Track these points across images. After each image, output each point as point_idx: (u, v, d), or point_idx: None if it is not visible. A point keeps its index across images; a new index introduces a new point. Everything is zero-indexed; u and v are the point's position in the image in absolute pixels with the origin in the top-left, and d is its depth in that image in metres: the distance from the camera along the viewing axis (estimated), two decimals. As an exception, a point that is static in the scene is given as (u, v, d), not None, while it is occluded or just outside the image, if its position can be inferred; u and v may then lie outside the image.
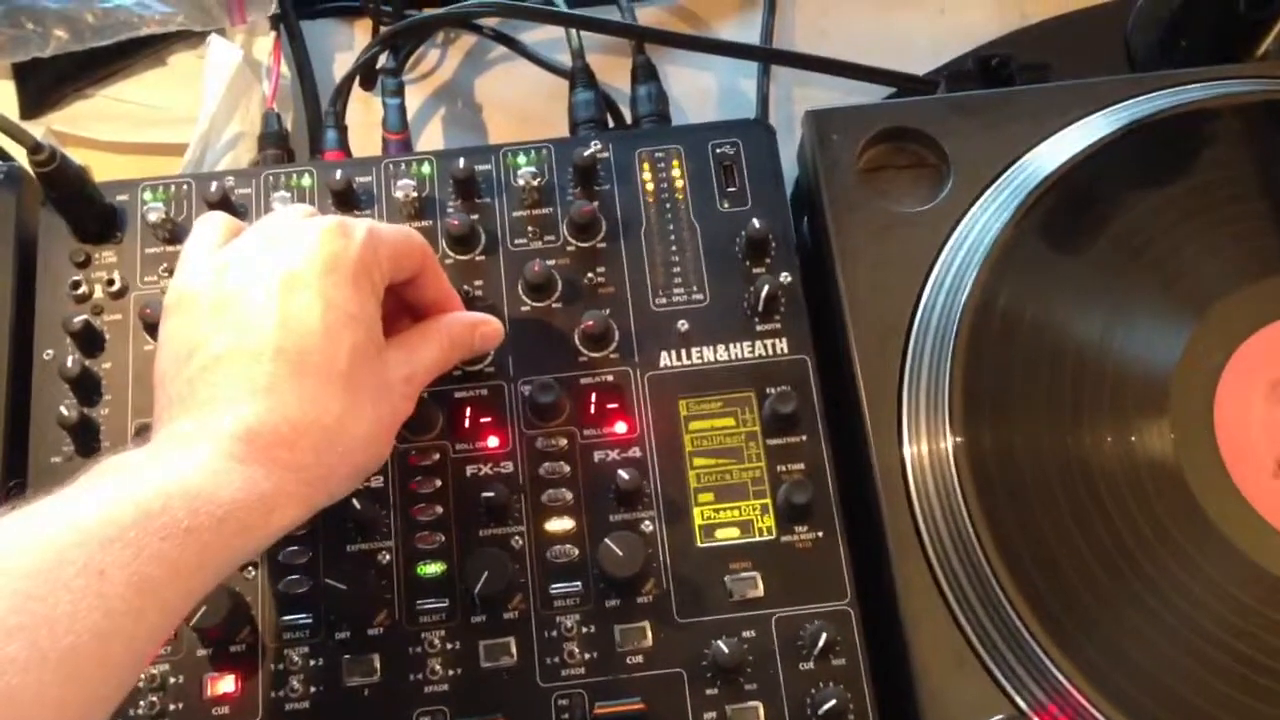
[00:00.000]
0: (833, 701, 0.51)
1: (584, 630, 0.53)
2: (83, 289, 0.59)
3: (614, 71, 0.74)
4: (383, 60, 0.72)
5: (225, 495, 0.42)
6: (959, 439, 0.54)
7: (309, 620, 0.54)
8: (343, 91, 0.71)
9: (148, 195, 0.61)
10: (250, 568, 0.55)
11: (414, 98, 0.77)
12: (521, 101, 0.77)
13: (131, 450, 0.44)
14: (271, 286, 0.46)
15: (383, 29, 0.75)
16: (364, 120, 0.74)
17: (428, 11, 0.73)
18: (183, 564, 0.40)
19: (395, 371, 0.50)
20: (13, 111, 0.75)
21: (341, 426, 0.46)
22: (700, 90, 0.77)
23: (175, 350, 0.48)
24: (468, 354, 0.55)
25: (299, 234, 0.48)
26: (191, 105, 0.72)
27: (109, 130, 0.74)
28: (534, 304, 0.59)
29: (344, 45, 0.79)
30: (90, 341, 0.58)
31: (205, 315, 0.47)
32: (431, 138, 0.77)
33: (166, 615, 0.41)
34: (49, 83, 0.75)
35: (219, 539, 0.41)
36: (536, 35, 0.77)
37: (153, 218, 0.60)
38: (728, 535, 0.55)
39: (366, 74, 0.73)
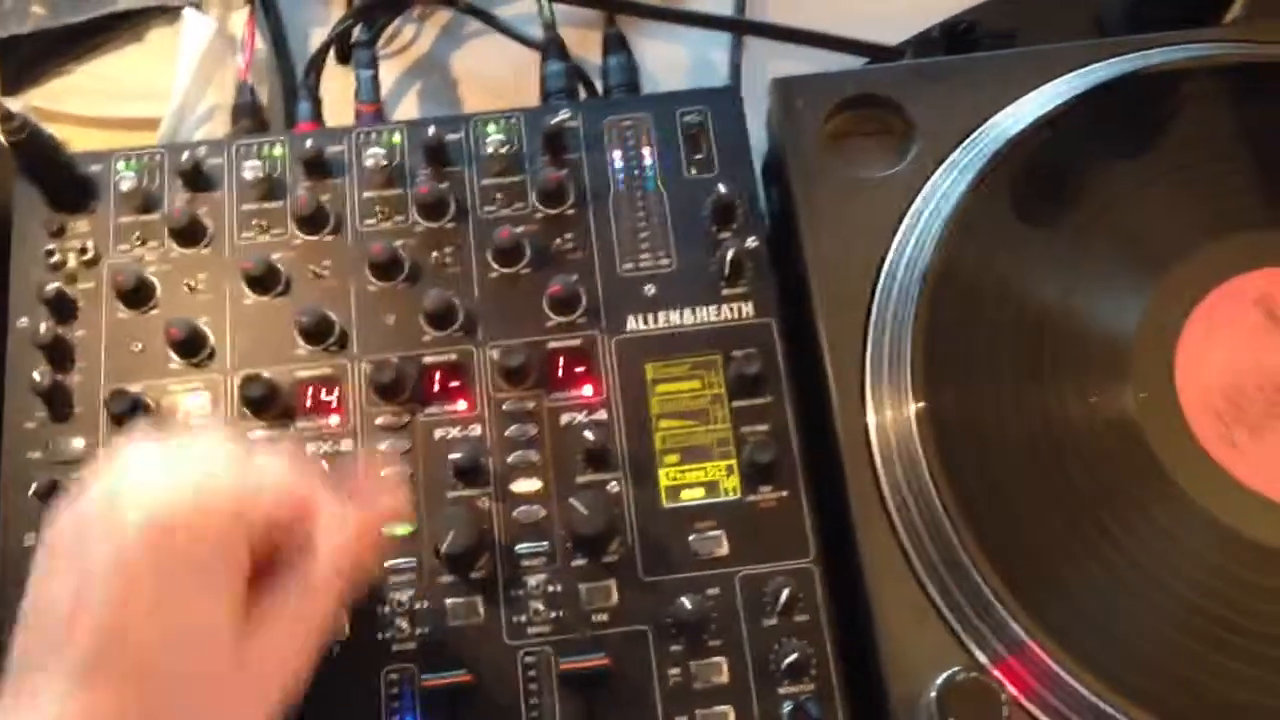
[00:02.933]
0: (795, 656, 0.52)
1: (550, 589, 0.54)
2: (56, 257, 0.60)
3: (587, 44, 0.75)
4: (357, 33, 0.73)
5: None
6: (920, 403, 0.54)
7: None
8: (316, 63, 0.71)
9: (121, 165, 0.62)
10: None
11: (389, 71, 0.78)
12: (495, 74, 0.77)
13: None
14: (112, 574, 0.40)
15: (357, 2, 0.75)
16: (341, 94, 0.74)
17: (402, -15, 0.74)
18: None
19: (258, 664, 0.43)
20: (-8, 88, 0.75)
21: None
22: (673, 61, 0.78)
23: (35, 606, 0.42)
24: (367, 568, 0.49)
25: (152, 507, 0.41)
26: (169, 80, 0.73)
27: (86, 105, 0.75)
28: (503, 270, 0.60)
29: (320, 19, 0.79)
30: (63, 309, 0.59)
31: (63, 559, 0.42)
32: (407, 110, 0.77)
33: None
34: (28, 59, 0.76)
35: None
36: (510, 9, 0.78)
37: (125, 187, 0.61)
38: (693, 495, 0.56)
39: (341, 47, 0.74)
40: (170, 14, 0.75)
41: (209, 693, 0.41)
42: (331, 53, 0.73)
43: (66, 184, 0.61)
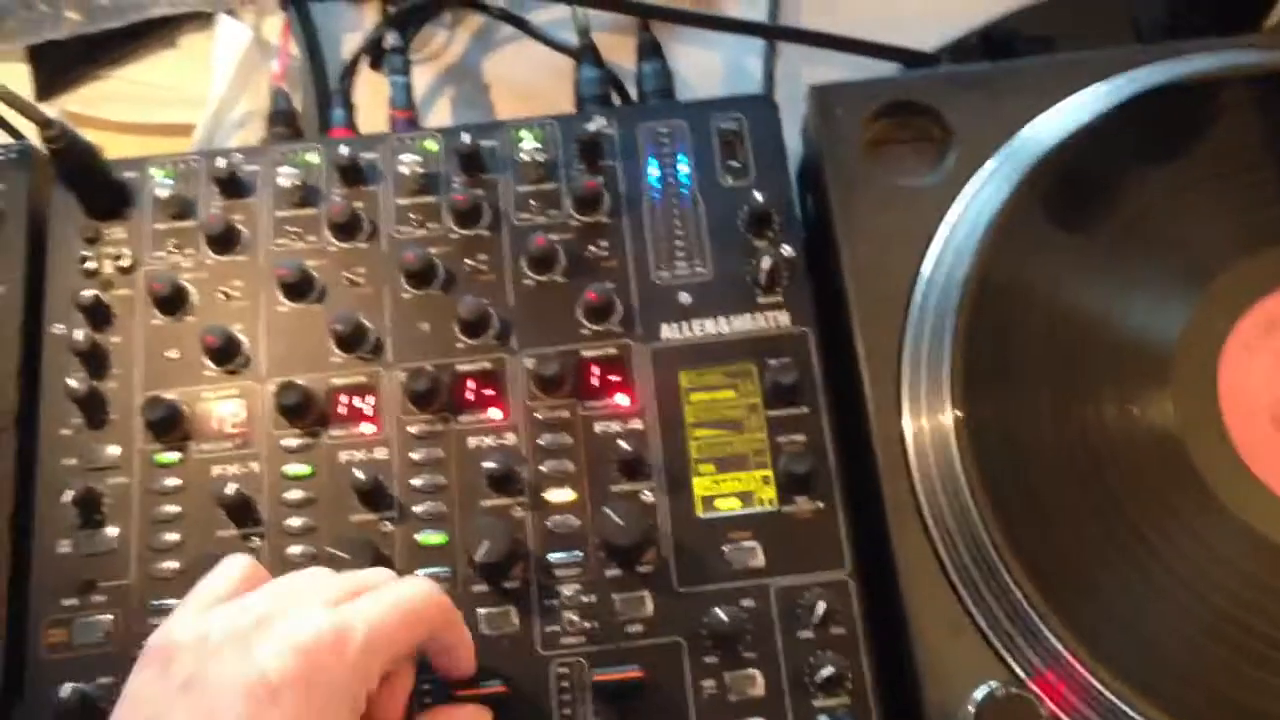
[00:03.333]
0: (830, 669, 0.51)
1: (584, 599, 0.54)
2: (92, 264, 0.60)
3: (621, 50, 0.74)
4: (391, 40, 0.73)
5: None
6: (958, 412, 0.54)
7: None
8: (350, 70, 0.71)
9: (156, 172, 0.62)
10: (255, 537, 0.55)
11: (423, 77, 0.78)
12: (529, 80, 0.77)
13: None
14: (239, 691, 0.42)
15: (391, 9, 0.75)
16: (375, 100, 0.74)
17: (435, -8, 0.74)
18: None
19: None
20: (28, 94, 0.76)
21: None
22: (707, 67, 0.77)
23: (136, 712, 0.44)
24: None
25: (294, 628, 0.44)
26: (203, 86, 0.73)
27: (121, 111, 0.75)
28: (537, 278, 0.60)
29: (353, 26, 0.79)
30: (99, 316, 0.59)
31: (174, 689, 0.44)
32: (440, 116, 0.77)
33: None
34: (63, 65, 0.76)
35: None
36: (543, 15, 0.78)
37: (161, 194, 0.61)
38: (728, 506, 0.55)
39: (374, 54, 0.74)
40: (204, 20, 0.76)
41: None
42: (365, 59, 0.73)
43: (103, 191, 0.61)
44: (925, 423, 0.55)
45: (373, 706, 0.46)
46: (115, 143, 0.75)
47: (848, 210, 0.60)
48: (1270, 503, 0.53)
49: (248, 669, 0.43)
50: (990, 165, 0.60)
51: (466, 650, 0.51)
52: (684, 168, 0.62)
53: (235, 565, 0.49)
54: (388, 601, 0.47)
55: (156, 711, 0.43)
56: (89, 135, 0.69)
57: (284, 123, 0.68)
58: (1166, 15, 0.72)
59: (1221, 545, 0.52)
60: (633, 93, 0.71)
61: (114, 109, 0.76)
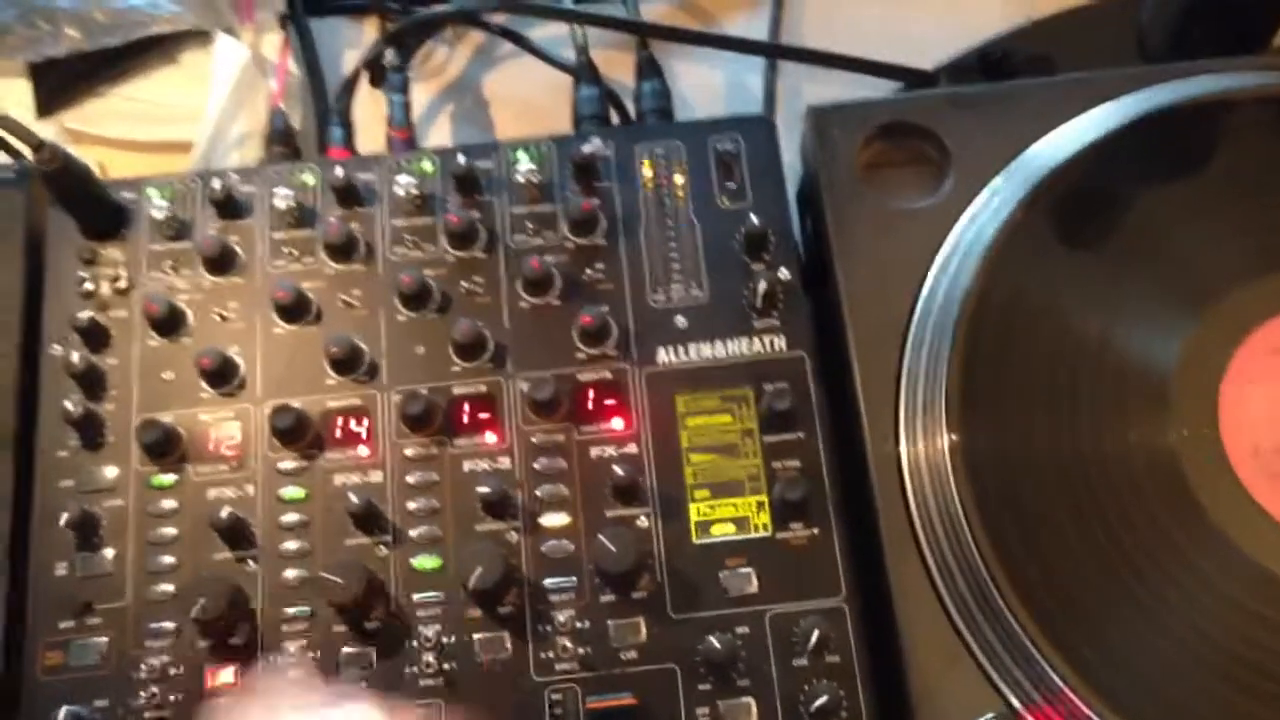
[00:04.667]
0: (825, 698, 0.51)
1: (578, 625, 0.54)
2: (89, 286, 0.60)
3: (623, 66, 0.74)
4: (389, 58, 0.73)
5: None
6: (954, 436, 0.53)
7: (309, 612, 0.54)
8: (348, 89, 0.71)
9: (153, 193, 0.62)
10: (250, 560, 0.55)
11: (422, 94, 0.78)
12: (528, 97, 0.77)
13: None
14: None
15: (389, 27, 0.75)
16: (375, 117, 0.74)
17: (434, 8, 0.73)
18: None
19: None
20: (29, 110, 0.76)
21: None
22: (708, 85, 0.77)
23: None
24: None
25: None
26: (203, 102, 0.73)
27: (122, 128, 0.75)
28: (533, 300, 0.60)
29: (353, 43, 0.79)
30: (96, 338, 0.59)
31: None
32: (440, 133, 0.77)
33: None
34: (63, 82, 0.76)
35: None
36: (543, 31, 0.78)
37: (158, 215, 0.61)
38: (723, 531, 0.55)
39: (375, 71, 0.74)
40: (205, 37, 0.75)
41: None
42: (365, 77, 0.73)
43: (99, 212, 0.61)
44: (922, 448, 0.55)
45: None
46: (116, 160, 0.75)
47: (844, 233, 0.59)
48: (1271, 532, 0.52)
49: None
50: (993, 185, 0.60)
51: None
52: (680, 189, 0.61)
53: None
54: None
55: None
56: (89, 152, 0.70)
57: (282, 142, 0.68)
58: (1171, 33, 0.71)
59: (1220, 576, 0.52)
60: (633, 111, 0.71)
61: (114, 126, 0.76)
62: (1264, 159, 0.60)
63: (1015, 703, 0.51)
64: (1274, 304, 0.57)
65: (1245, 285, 0.57)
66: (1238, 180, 0.60)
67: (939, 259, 0.59)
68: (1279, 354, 0.56)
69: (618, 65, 0.74)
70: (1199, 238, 0.58)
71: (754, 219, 0.59)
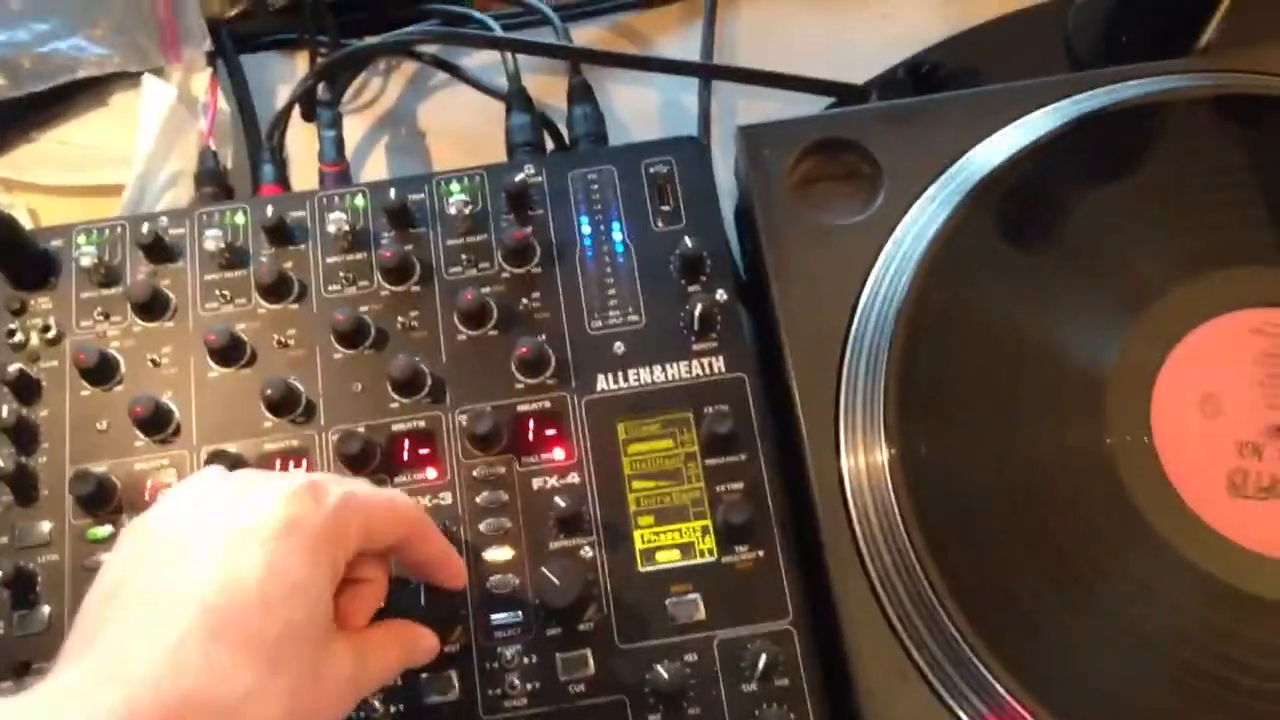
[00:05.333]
0: (775, 722, 0.51)
1: (525, 660, 0.53)
2: (18, 337, 0.59)
3: (558, 91, 0.74)
4: (321, 91, 0.72)
5: None
6: (893, 450, 0.53)
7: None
8: (278, 125, 0.71)
9: (81, 240, 0.61)
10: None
11: (357, 127, 0.77)
12: (464, 126, 0.77)
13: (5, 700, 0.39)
14: (217, 537, 0.43)
15: (320, 59, 0.75)
16: (310, 150, 0.74)
17: (366, 40, 0.73)
18: None
19: (336, 668, 0.44)
20: (-41, 159, 0.75)
21: (243, 708, 0.40)
22: (644, 108, 0.77)
23: (105, 582, 0.43)
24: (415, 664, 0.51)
25: (267, 490, 0.45)
26: (134, 144, 0.72)
27: (52, 174, 0.74)
28: (470, 332, 0.59)
29: (285, 78, 0.79)
30: (27, 390, 0.58)
31: (146, 550, 0.44)
32: (376, 166, 0.77)
33: None
34: (-8, 129, 0.75)
35: None
36: (477, 59, 0.77)
37: (86, 262, 0.60)
38: (669, 558, 0.55)
39: (308, 105, 0.73)
40: (133, 78, 0.75)
41: (299, 644, 0.42)
42: (297, 110, 0.72)
43: (26, 261, 0.60)
44: (863, 462, 0.55)
45: (342, 609, 0.46)
46: (48, 206, 0.74)
47: (778, 251, 0.59)
48: (1207, 534, 0.52)
49: (225, 521, 0.43)
50: (927, 194, 0.60)
51: (452, 563, 0.51)
52: (614, 214, 0.61)
53: (207, 474, 0.49)
54: (365, 484, 0.49)
55: (124, 576, 0.43)
56: (21, 198, 0.69)
57: (212, 182, 0.68)
58: (1100, 39, 0.71)
59: (1161, 583, 0.52)
60: (567, 136, 0.71)
61: (46, 172, 0.75)
62: (1193, 161, 0.60)
63: (964, 717, 0.50)
64: (1209, 306, 0.57)
65: (1177, 288, 0.57)
66: (1167, 183, 0.60)
67: (874, 271, 0.59)
68: (1213, 356, 0.56)
69: (553, 90, 0.74)
70: (1134, 241, 0.59)
71: (688, 241, 0.59)
